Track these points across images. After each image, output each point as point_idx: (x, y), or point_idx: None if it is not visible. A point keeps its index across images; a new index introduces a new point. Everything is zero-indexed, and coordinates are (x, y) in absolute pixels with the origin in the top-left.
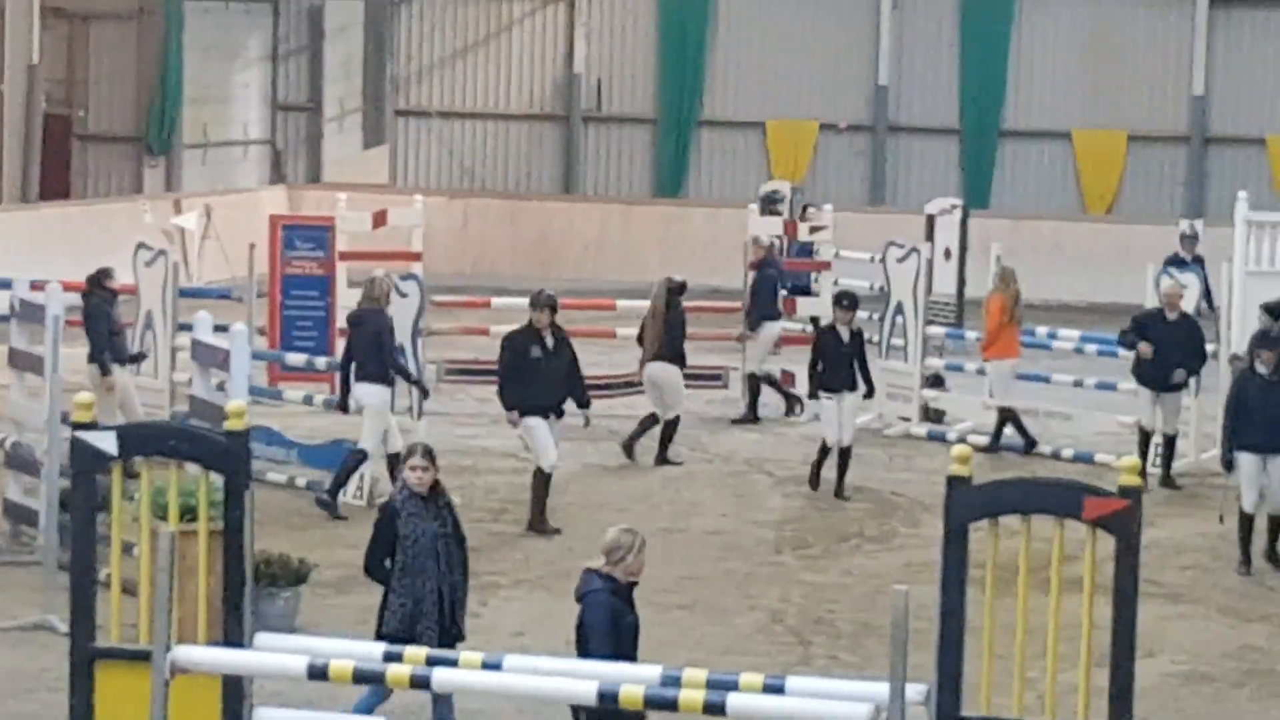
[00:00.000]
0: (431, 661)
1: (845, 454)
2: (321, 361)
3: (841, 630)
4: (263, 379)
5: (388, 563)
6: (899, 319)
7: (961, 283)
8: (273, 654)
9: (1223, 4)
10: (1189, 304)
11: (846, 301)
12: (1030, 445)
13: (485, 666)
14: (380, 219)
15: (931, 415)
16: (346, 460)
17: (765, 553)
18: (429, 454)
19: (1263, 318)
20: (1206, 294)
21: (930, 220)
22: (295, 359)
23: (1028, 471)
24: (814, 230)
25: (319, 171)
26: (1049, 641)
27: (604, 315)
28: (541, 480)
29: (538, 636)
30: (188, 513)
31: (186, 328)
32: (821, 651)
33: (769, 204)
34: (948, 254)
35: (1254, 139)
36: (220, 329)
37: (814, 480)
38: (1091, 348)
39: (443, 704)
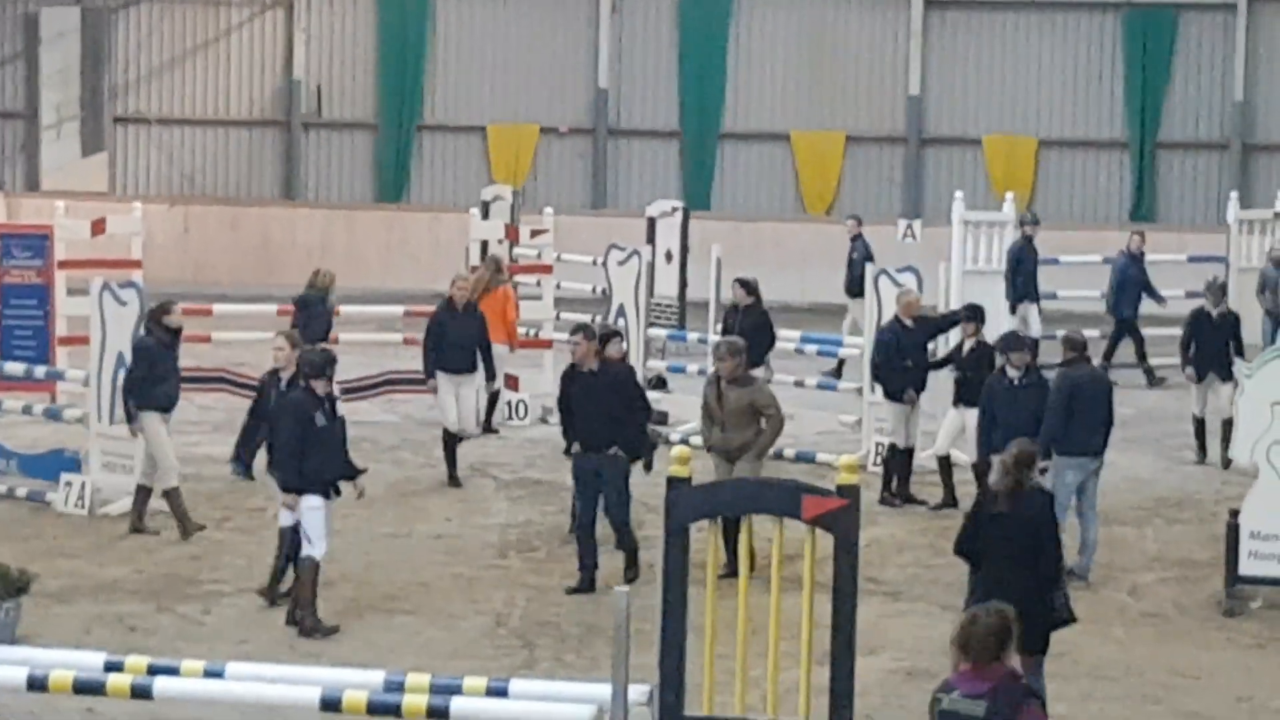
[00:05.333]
0: (153, 670)
1: None
2: (41, 370)
3: (567, 633)
4: None
5: None
6: (621, 321)
7: (683, 285)
8: None
9: (937, 6)
10: None
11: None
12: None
13: (207, 674)
14: (99, 227)
15: (655, 417)
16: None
17: (490, 556)
18: None
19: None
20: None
21: (651, 223)
22: (14, 368)
23: None
24: (535, 234)
25: (37, 179)
26: (770, 640)
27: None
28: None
29: (261, 644)
30: None
31: None
32: (547, 654)
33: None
34: (669, 256)
35: (969, 139)
36: None
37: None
38: (812, 348)
39: None
